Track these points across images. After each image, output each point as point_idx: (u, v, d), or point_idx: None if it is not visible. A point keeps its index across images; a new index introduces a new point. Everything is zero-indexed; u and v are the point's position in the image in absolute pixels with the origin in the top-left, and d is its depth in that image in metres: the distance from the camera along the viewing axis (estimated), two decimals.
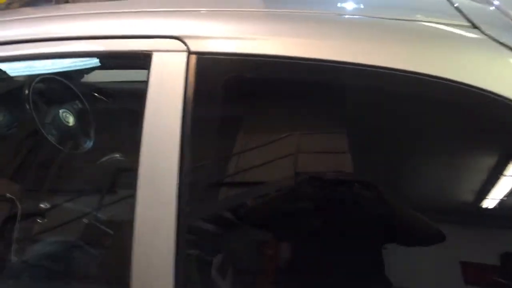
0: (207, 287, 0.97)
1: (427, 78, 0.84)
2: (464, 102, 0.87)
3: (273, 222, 0.98)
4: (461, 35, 0.90)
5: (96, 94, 1.44)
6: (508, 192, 0.89)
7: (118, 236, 1.19)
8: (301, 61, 0.88)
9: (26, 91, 1.25)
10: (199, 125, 0.89)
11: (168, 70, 0.91)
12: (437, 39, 0.90)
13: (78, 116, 1.39)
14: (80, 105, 1.39)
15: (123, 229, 1.21)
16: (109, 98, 1.44)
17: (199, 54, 0.91)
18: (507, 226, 0.89)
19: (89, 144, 1.38)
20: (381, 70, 0.86)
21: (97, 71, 1.20)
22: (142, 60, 0.92)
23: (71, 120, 1.37)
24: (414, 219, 0.90)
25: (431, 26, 0.92)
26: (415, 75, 0.84)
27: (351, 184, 0.93)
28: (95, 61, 1.05)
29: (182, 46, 0.92)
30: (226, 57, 0.92)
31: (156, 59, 0.92)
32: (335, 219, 0.95)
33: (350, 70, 0.86)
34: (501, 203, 0.88)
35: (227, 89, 0.95)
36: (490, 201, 0.90)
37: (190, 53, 0.91)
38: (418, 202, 0.92)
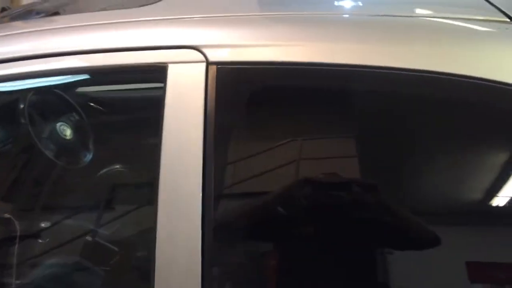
0: None
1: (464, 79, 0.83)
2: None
3: (268, 229, 0.95)
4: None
5: (93, 105, 1.38)
6: None
7: (127, 253, 1.15)
8: (329, 67, 0.85)
9: (22, 105, 1.18)
10: (222, 139, 0.86)
11: (186, 82, 0.86)
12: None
13: (76, 129, 1.32)
14: (77, 117, 1.33)
15: (132, 245, 1.17)
16: (107, 108, 1.38)
17: (219, 64, 0.87)
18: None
19: (88, 157, 1.33)
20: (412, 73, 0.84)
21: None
22: (156, 73, 0.88)
23: (68, 133, 1.31)
24: (412, 223, 0.90)
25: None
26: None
27: (351, 187, 0.91)
28: (102, 77, 0.99)
29: (199, 56, 0.87)
30: (248, 66, 0.88)
31: (172, 71, 0.87)
32: (336, 222, 0.93)
33: (383, 75, 0.84)
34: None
35: (251, 100, 0.91)
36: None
37: (208, 63, 0.87)
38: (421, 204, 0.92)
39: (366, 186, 0.91)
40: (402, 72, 0.84)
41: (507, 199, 0.89)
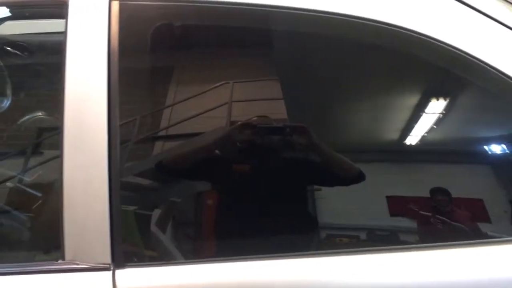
0: (148, 243, 0.95)
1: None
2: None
3: (206, 170, 0.98)
4: None
5: (8, 49, 1.31)
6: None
7: (48, 198, 1.13)
8: (239, 6, 0.84)
9: None
10: (127, 77, 0.85)
11: (88, 19, 0.84)
12: None
13: None
14: None
15: (52, 191, 1.15)
16: (23, 52, 1.32)
17: (122, 0, 0.85)
18: (428, 160, 0.97)
19: (6, 103, 1.27)
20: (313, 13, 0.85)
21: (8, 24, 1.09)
22: (57, 9, 0.84)
23: None
24: (340, 161, 0.95)
25: None
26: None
27: (282, 129, 0.95)
28: (3, 12, 0.94)
29: None
30: (154, 2, 0.86)
31: (73, 7, 0.84)
32: (268, 163, 0.98)
33: (283, 15, 0.84)
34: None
35: (156, 38, 0.89)
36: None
37: None
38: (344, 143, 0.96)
39: (297, 128, 0.94)
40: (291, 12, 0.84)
41: (422, 138, 0.95)
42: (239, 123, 0.96)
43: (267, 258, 0.81)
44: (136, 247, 0.89)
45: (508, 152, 0.93)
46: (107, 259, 0.80)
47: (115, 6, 0.84)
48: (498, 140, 0.94)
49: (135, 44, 0.88)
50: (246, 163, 0.98)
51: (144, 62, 0.92)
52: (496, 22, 0.85)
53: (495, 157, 0.94)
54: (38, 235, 1.07)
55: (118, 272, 0.80)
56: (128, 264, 0.81)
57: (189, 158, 0.98)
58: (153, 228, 0.94)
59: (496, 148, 0.94)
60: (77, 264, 0.80)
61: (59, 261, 0.81)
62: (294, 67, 1.01)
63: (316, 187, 0.98)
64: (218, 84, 0.97)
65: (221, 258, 0.82)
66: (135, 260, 0.83)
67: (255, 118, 0.97)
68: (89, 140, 0.81)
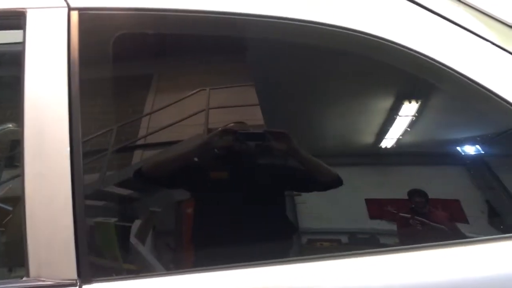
0: (117, 256, 0.93)
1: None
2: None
3: (186, 178, 0.97)
4: None
5: None
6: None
7: (14, 213, 1.11)
8: (197, 14, 0.84)
9: None
10: (88, 87, 0.83)
11: (47, 29, 0.82)
12: None
13: None
14: None
15: (17, 205, 1.13)
16: None
17: (81, 10, 0.83)
18: (403, 163, 0.96)
19: None
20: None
21: None
22: (15, 19, 0.83)
23: None
24: (319, 167, 0.94)
25: None
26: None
27: (263, 135, 0.94)
28: None
29: (60, 2, 0.83)
30: (113, 12, 0.85)
31: (31, 17, 0.82)
32: (248, 170, 0.97)
33: (253, 23, 0.84)
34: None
35: (117, 47, 0.88)
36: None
37: (70, 9, 0.83)
38: (322, 148, 0.96)
39: (278, 134, 0.94)
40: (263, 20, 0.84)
41: (398, 141, 0.95)
42: (220, 129, 0.95)
43: (250, 266, 0.80)
44: (105, 261, 0.87)
45: (482, 153, 0.93)
46: (73, 274, 0.78)
47: (74, 16, 0.83)
48: (473, 141, 0.94)
49: (96, 54, 0.87)
50: (227, 170, 0.97)
51: (106, 71, 0.90)
52: (452, 23, 0.86)
53: (471, 158, 0.94)
54: (2, 252, 1.04)
55: (85, 287, 0.78)
56: (96, 279, 0.79)
57: (168, 165, 0.96)
58: (123, 239, 0.92)
59: (471, 150, 0.95)
60: (43, 281, 0.78)
61: (24, 279, 0.78)
62: (267, 73, 1.00)
63: (295, 192, 0.97)
64: (194, 91, 0.96)
65: (198, 269, 0.81)
66: (103, 274, 0.81)
67: (232, 124, 0.95)
68: (50, 152, 0.79)
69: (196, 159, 0.98)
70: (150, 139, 0.98)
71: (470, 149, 0.94)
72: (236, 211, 0.95)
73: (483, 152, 0.93)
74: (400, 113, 0.96)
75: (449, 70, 0.84)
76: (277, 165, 0.99)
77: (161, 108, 0.98)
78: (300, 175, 0.96)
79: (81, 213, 0.79)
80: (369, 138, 0.99)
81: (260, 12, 0.86)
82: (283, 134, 0.93)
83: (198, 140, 0.96)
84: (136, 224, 0.95)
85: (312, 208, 0.96)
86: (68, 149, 0.79)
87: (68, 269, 0.78)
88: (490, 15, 0.90)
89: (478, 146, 0.94)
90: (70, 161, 0.79)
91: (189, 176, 0.98)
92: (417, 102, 0.96)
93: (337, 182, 0.92)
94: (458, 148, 0.95)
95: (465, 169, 0.95)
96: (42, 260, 0.78)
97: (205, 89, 0.97)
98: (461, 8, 0.92)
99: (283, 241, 0.94)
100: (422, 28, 0.88)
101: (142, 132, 0.96)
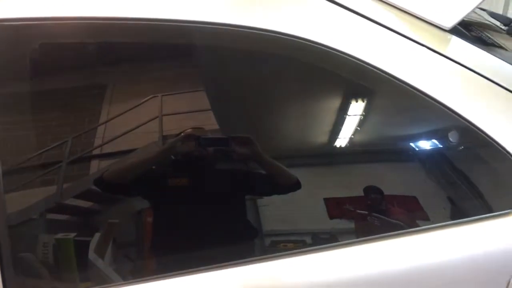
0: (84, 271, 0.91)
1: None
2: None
3: (145, 184, 0.95)
4: None
5: None
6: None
7: None
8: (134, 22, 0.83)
9: None
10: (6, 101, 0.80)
11: None
12: None
13: None
14: None
15: None
16: None
17: None
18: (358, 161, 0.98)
19: None
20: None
21: None
22: None
23: None
24: (280, 170, 0.95)
25: None
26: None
27: (226, 140, 0.94)
28: None
29: None
30: (29, 22, 0.81)
31: None
32: (210, 175, 0.97)
33: (193, 29, 0.83)
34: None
35: (35, 59, 0.85)
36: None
37: None
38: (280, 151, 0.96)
39: (242, 139, 0.93)
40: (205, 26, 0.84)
41: (351, 140, 0.97)
42: (182, 135, 0.93)
43: (212, 269, 0.81)
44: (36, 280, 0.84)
45: (424, 149, 0.97)
46: None
47: None
48: (413, 139, 0.97)
49: (14, 66, 0.84)
50: (189, 176, 0.95)
51: (28, 84, 0.87)
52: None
53: (432, 156, 0.97)
54: None
55: None
56: None
57: (131, 172, 0.95)
58: (91, 255, 0.89)
59: (415, 146, 0.97)
60: None
61: None
62: (217, 79, 1.00)
63: (257, 196, 0.97)
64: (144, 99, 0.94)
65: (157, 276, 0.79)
66: None
67: (190, 130, 0.94)
68: None
69: (157, 165, 0.96)
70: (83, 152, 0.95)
71: (413, 146, 0.97)
72: (199, 217, 0.94)
73: (425, 148, 0.96)
74: (348, 113, 0.98)
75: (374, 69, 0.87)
76: (239, 170, 0.98)
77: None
78: (262, 179, 0.97)
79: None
80: (322, 138, 1.00)
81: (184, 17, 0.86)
82: (247, 139, 0.93)
83: (160, 146, 0.94)
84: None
85: (274, 211, 0.97)
86: None
87: None
88: (417, 15, 0.92)
89: (419, 144, 0.97)
90: None
91: (151, 182, 0.96)
92: (362, 101, 0.98)
93: (296, 186, 0.93)
94: (403, 146, 0.98)
95: (416, 164, 0.98)
96: None
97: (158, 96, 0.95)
98: (386, 8, 0.94)
99: (245, 244, 0.95)
100: (346, 29, 0.91)
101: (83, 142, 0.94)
